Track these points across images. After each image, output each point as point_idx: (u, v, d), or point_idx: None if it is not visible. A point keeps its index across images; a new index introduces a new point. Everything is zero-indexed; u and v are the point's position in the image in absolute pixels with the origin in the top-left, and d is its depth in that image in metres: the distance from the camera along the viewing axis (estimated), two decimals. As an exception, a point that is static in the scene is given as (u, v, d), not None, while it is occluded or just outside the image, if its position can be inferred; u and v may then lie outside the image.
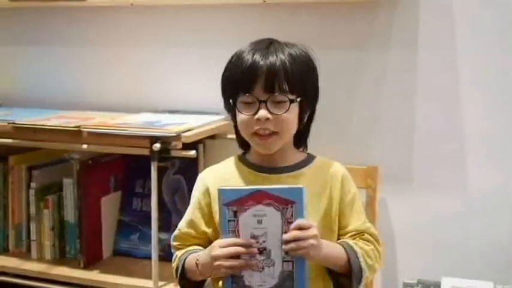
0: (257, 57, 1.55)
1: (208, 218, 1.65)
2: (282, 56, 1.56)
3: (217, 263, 1.49)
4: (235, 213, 1.50)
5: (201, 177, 1.71)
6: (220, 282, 1.59)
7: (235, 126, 1.67)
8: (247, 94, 1.55)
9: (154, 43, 2.39)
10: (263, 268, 1.49)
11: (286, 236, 1.46)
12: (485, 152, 2.05)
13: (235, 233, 1.50)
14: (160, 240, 2.14)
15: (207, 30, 2.30)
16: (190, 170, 2.22)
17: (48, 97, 2.54)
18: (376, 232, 1.66)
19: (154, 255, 2.04)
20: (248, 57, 1.56)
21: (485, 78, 2.02)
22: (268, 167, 1.65)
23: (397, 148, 2.12)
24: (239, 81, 1.56)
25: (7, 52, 2.64)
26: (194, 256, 1.61)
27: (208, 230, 1.65)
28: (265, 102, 1.54)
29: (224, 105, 1.66)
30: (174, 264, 1.67)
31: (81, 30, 2.49)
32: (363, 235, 1.63)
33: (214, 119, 2.15)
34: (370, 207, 2.03)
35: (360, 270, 1.57)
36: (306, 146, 1.72)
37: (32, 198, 2.34)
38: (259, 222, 1.49)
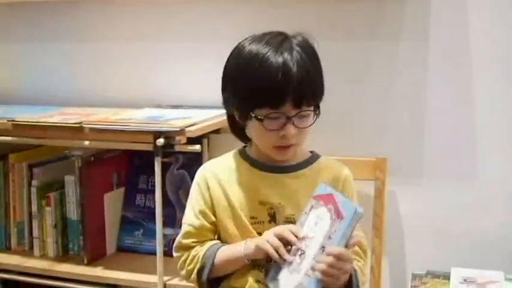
0: (285, 68, 1.49)
1: (212, 209, 1.65)
2: (307, 65, 1.52)
3: (268, 236, 1.51)
4: (311, 208, 1.52)
5: (200, 171, 1.72)
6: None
7: (233, 122, 1.66)
8: (274, 110, 1.52)
9: (157, 37, 2.37)
10: (293, 272, 1.49)
11: (325, 258, 1.44)
12: (495, 143, 2.05)
13: (301, 225, 1.52)
14: (164, 236, 2.13)
15: (210, 24, 2.28)
16: (194, 165, 2.18)
17: (49, 94, 2.53)
18: (366, 243, 1.66)
19: (159, 250, 2.03)
20: (276, 67, 1.49)
21: (496, 70, 2.02)
22: (269, 165, 1.65)
23: (406, 140, 2.11)
24: (268, 96, 1.51)
25: (7, 49, 2.62)
26: (234, 244, 1.60)
27: (215, 221, 1.65)
28: (292, 117, 1.52)
29: (227, 104, 1.64)
30: (192, 266, 1.63)
31: (82, 26, 2.48)
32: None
33: (219, 113, 2.11)
34: (378, 199, 2.03)
35: (357, 285, 1.57)
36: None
37: (34, 196, 2.32)
38: (316, 224, 1.49)
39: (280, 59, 1.50)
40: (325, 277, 1.44)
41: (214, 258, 1.59)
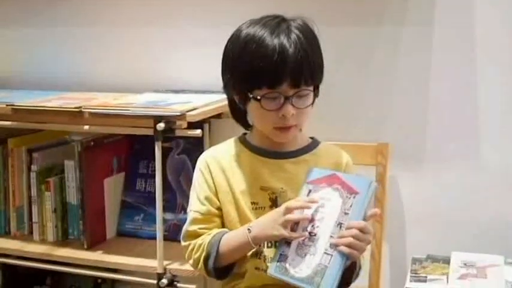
0: (282, 49, 1.51)
1: (216, 195, 1.66)
2: (304, 46, 1.53)
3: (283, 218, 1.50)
4: (309, 192, 1.52)
5: (201, 157, 1.72)
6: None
7: (234, 108, 1.68)
8: (272, 89, 1.53)
9: (157, 22, 2.36)
10: (305, 255, 1.48)
11: (348, 232, 1.45)
12: (498, 130, 2.06)
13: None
14: (165, 220, 2.13)
15: (211, 9, 2.28)
16: (195, 150, 2.20)
17: (49, 79, 2.51)
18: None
19: (160, 234, 2.01)
20: (272, 48, 1.51)
21: (500, 55, 2.03)
22: (270, 151, 1.66)
23: (408, 125, 2.12)
24: (265, 76, 1.53)
25: (6, 34, 2.60)
26: (237, 230, 1.60)
27: (220, 206, 1.66)
28: (291, 97, 1.53)
29: (227, 88, 1.65)
30: (199, 254, 1.62)
31: (81, 11, 2.46)
32: None
33: (220, 98, 2.10)
34: (380, 184, 2.03)
35: (359, 267, 1.60)
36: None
37: (33, 181, 2.31)
38: (322, 206, 1.50)
39: (276, 40, 1.52)
40: (351, 250, 1.45)
41: (218, 246, 1.59)
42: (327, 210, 1.49)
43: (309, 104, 1.57)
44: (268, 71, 1.52)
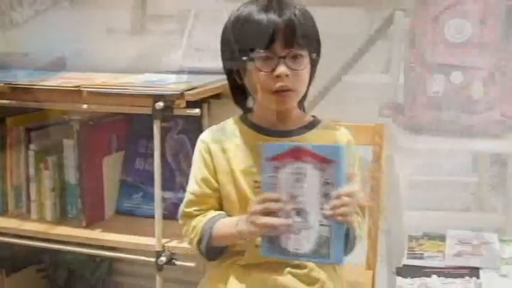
0: (271, 14, 1.53)
1: (214, 176, 1.66)
2: (295, 11, 1.55)
3: (251, 218, 1.49)
4: (276, 169, 1.47)
5: (201, 137, 1.71)
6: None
7: (235, 91, 1.68)
8: (265, 50, 1.53)
9: (158, 2, 2.37)
10: (300, 230, 1.46)
11: (337, 202, 1.44)
12: (492, 111, 2.07)
13: (276, 189, 1.47)
14: (163, 199, 2.13)
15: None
16: (194, 129, 2.20)
17: (48, 59, 2.49)
18: (365, 204, 1.67)
19: (158, 212, 2.03)
20: (262, 16, 1.53)
21: (492, 42, 2.05)
22: (271, 129, 1.65)
23: (405, 105, 2.14)
24: (256, 38, 1.54)
25: (7, 14, 2.59)
26: (230, 220, 1.60)
27: (218, 188, 1.66)
28: (284, 58, 1.54)
29: (226, 68, 1.66)
30: (193, 236, 1.64)
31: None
32: None
33: (219, 78, 2.11)
34: (376, 164, 2.04)
35: (354, 238, 1.58)
36: (303, 108, 1.72)
37: (31, 160, 2.31)
38: (299, 180, 1.46)
39: (265, 10, 1.54)
40: (346, 218, 1.44)
41: (211, 232, 1.60)
42: (306, 183, 1.46)
43: (304, 67, 1.57)
44: (260, 30, 1.53)
